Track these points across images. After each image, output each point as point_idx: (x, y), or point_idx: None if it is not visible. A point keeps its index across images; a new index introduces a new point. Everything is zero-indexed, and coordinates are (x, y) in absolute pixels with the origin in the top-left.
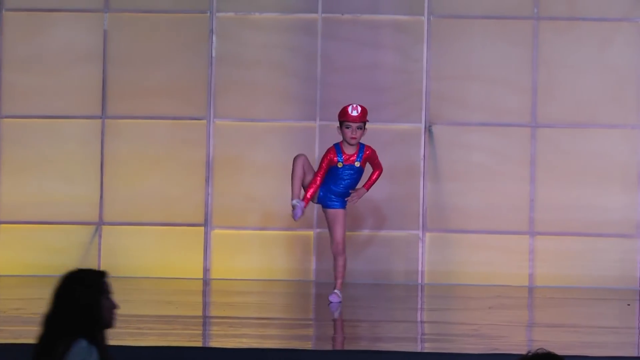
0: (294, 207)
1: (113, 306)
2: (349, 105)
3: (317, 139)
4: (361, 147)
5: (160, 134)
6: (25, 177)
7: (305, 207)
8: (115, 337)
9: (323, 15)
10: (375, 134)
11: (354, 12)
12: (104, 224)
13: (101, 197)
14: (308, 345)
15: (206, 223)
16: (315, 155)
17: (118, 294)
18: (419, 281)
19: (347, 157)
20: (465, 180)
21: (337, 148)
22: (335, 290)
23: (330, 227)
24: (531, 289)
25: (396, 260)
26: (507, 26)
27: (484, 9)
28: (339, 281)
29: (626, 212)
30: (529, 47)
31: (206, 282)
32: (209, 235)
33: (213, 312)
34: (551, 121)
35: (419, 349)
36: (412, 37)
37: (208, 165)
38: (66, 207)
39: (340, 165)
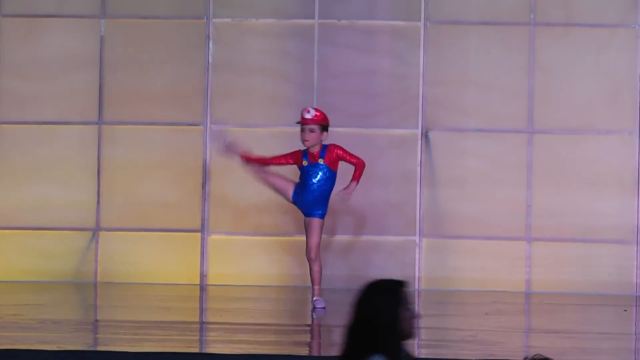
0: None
1: (412, 316)
2: (304, 108)
3: None
4: (324, 147)
5: (157, 140)
6: (22, 183)
7: (241, 157)
8: (112, 343)
9: (320, 21)
10: (371, 139)
11: (351, 18)
12: (100, 229)
13: (98, 202)
14: (305, 351)
15: (203, 229)
16: None
17: (114, 300)
18: (416, 287)
19: (311, 155)
20: (462, 186)
21: (304, 150)
22: (315, 298)
23: (306, 234)
24: (528, 295)
25: (393, 266)
26: (504, 32)
27: (481, 15)
28: (317, 287)
29: (623, 217)
30: (526, 52)
31: (203, 287)
32: (205, 241)
33: (210, 318)
34: (547, 127)
35: (415, 355)
36: (409, 42)
37: (205, 171)
38: (63, 213)
39: (305, 163)
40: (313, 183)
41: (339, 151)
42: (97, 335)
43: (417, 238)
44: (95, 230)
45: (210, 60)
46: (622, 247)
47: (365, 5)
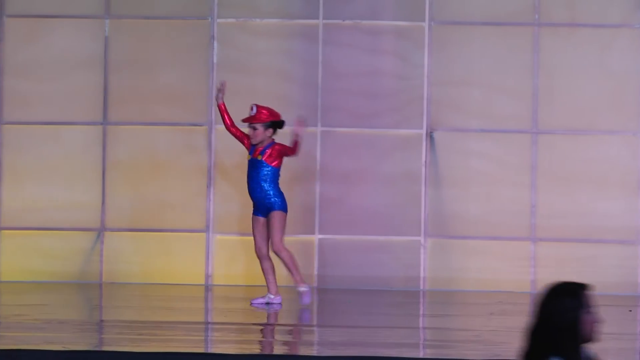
0: None
1: (594, 320)
2: (251, 105)
3: (319, 145)
4: (268, 145)
5: (162, 140)
6: (27, 183)
7: (219, 105)
8: (117, 343)
9: (324, 21)
10: (376, 140)
11: (355, 18)
12: (105, 230)
13: (103, 203)
14: (311, 351)
15: (208, 229)
16: (317, 160)
17: (119, 301)
18: (421, 287)
19: (255, 150)
20: (466, 186)
21: (253, 145)
22: (302, 287)
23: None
24: (533, 295)
25: (397, 266)
26: (508, 32)
27: (485, 15)
28: (297, 275)
29: (627, 218)
30: (530, 53)
31: (208, 288)
32: (210, 241)
33: (215, 318)
34: (552, 127)
35: (420, 355)
36: (413, 43)
37: (209, 171)
38: (68, 213)
39: (248, 157)
40: (253, 178)
41: (278, 147)
42: (102, 336)
43: (421, 238)
44: (100, 231)
45: (214, 61)
46: (626, 248)
47: (370, 6)
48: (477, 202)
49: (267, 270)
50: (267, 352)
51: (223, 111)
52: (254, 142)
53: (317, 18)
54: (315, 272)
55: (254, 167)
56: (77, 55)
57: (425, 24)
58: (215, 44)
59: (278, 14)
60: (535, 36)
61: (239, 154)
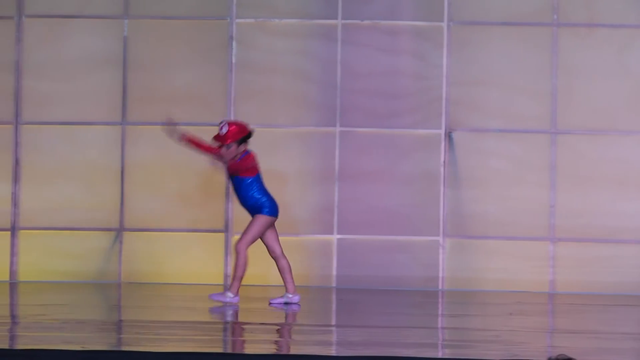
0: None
1: None
2: (220, 123)
3: (337, 145)
4: (241, 157)
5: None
6: (45, 184)
7: (181, 137)
8: (135, 343)
9: (343, 21)
10: (394, 140)
11: (374, 19)
12: (124, 230)
13: (122, 203)
14: (329, 351)
15: (227, 229)
16: (336, 160)
17: (137, 301)
18: (439, 287)
19: (230, 167)
20: (485, 186)
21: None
22: (231, 296)
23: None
24: (551, 295)
25: (416, 266)
26: (527, 32)
27: (504, 16)
28: (236, 283)
29: None
30: (548, 53)
31: (227, 287)
32: (229, 241)
33: (233, 318)
34: (571, 127)
35: (439, 355)
36: (432, 43)
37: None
38: (86, 214)
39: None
40: (239, 192)
41: (251, 157)
42: (121, 336)
43: (440, 238)
44: (119, 231)
45: (233, 61)
46: None
47: (388, 6)
48: (495, 202)
49: (284, 269)
50: (284, 352)
51: (192, 142)
52: (227, 160)
53: (336, 18)
54: (334, 272)
55: (237, 182)
56: (96, 56)
57: (444, 24)
58: (234, 44)
59: (297, 14)
60: (554, 36)
61: (257, 154)
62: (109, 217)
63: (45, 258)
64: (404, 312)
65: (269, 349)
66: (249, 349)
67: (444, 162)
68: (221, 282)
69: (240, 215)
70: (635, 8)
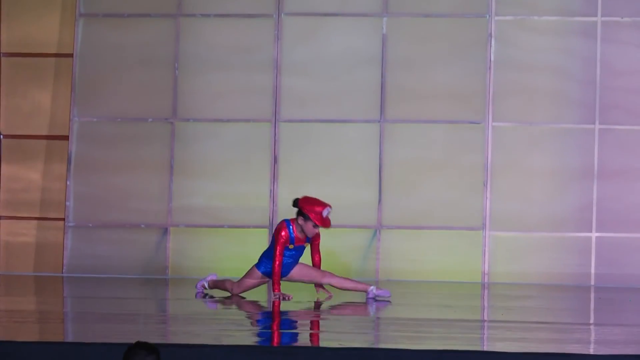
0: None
1: None
2: (324, 208)
3: (597, 143)
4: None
5: (438, 138)
6: (303, 181)
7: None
8: (394, 340)
9: (602, 18)
10: None
11: (634, 16)
12: (382, 227)
13: (379, 200)
14: (587, 350)
15: (484, 227)
16: (595, 157)
17: (395, 298)
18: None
19: (297, 239)
20: None
21: (290, 229)
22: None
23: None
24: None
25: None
26: None
27: None
28: (227, 284)
29: None
30: None
31: (484, 285)
32: (487, 239)
33: (491, 316)
34: None
35: None
36: None
37: (486, 169)
38: (345, 211)
39: (291, 247)
40: (295, 260)
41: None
42: (378, 333)
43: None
44: (377, 228)
45: (491, 58)
46: None
47: None
48: None
49: (344, 284)
50: (542, 350)
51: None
52: (310, 237)
53: (596, 15)
54: (593, 271)
55: (297, 255)
56: (354, 54)
57: None
58: (493, 42)
59: (557, 11)
60: None
61: (515, 151)
62: (367, 214)
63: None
64: None
65: (526, 347)
66: (507, 348)
67: None
68: (478, 279)
69: (497, 212)
70: None
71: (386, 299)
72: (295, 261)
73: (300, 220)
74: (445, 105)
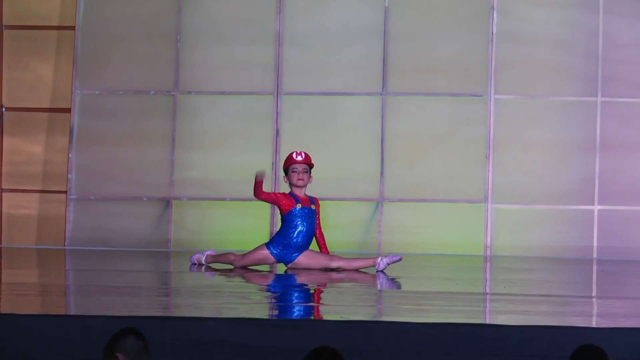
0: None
1: None
2: (293, 152)
3: (599, 115)
4: (310, 198)
5: (440, 111)
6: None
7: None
8: (396, 313)
9: None
10: None
11: None
12: (384, 200)
13: (381, 173)
14: (590, 322)
15: (486, 200)
16: (597, 131)
17: (396, 271)
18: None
19: (302, 199)
20: None
21: (291, 194)
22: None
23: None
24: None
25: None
26: None
27: None
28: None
29: None
30: None
31: (486, 258)
32: (489, 212)
33: (493, 289)
34: None
35: None
36: None
37: (488, 141)
38: (348, 184)
39: (298, 206)
40: (308, 228)
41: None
42: (381, 306)
43: None
44: (379, 201)
45: (494, 31)
46: None
47: None
48: None
49: (352, 264)
50: (544, 323)
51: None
52: (302, 186)
53: None
54: (595, 244)
55: (309, 217)
56: (356, 26)
57: None
58: (495, 14)
59: None
60: None
61: (517, 124)
62: (369, 187)
63: None
64: None
65: (529, 320)
66: (509, 320)
67: None
68: (481, 252)
69: (499, 185)
70: None
71: (397, 262)
72: (310, 228)
73: (286, 179)
74: (448, 78)
